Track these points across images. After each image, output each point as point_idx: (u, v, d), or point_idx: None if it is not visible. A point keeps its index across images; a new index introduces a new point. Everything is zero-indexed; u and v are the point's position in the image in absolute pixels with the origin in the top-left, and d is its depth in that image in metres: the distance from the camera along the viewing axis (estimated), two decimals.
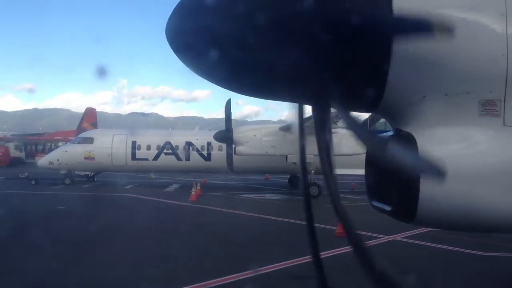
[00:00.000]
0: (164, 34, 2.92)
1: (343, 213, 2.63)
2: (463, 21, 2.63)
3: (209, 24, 2.68)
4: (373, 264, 2.45)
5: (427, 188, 2.68)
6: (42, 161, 29.97)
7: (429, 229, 8.59)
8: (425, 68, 2.68)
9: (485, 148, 2.78)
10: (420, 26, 2.48)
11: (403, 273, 9.37)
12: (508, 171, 2.72)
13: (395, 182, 2.81)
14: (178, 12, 2.84)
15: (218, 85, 3.07)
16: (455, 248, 11.42)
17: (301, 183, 3.25)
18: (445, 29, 2.46)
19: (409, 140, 2.78)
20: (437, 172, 2.25)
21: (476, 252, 11.26)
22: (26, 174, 31.26)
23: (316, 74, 2.63)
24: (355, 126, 2.52)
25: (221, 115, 27.55)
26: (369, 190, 3.27)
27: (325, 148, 2.68)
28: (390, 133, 3.06)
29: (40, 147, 61.08)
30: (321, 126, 2.75)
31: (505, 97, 2.73)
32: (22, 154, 57.77)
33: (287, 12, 2.60)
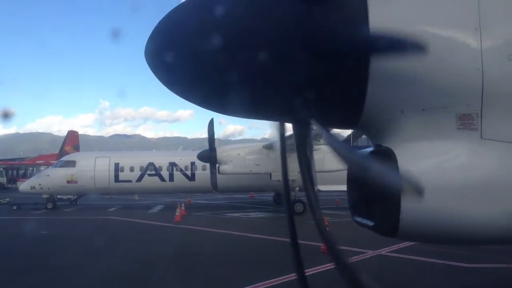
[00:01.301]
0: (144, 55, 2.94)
1: (324, 229, 2.64)
2: (438, 36, 2.68)
3: (186, 46, 2.71)
4: (358, 281, 2.47)
5: (408, 203, 2.70)
6: (24, 186, 29.52)
7: (414, 242, 8.62)
8: (402, 84, 2.71)
9: (463, 161, 2.82)
10: (396, 45, 2.53)
11: None
12: (487, 184, 2.76)
13: (376, 197, 2.82)
14: (156, 34, 2.86)
15: (198, 105, 3.09)
16: (441, 261, 11.46)
17: (284, 201, 3.26)
18: (419, 47, 2.51)
19: (389, 155, 2.80)
20: (417, 189, 2.28)
21: (461, 264, 11.30)
22: (7, 199, 30.82)
23: (295, 93, 2.66)
24: (335, 144, 2.53)
25: (204, 134, 27.52)
26: (351, 206, 3.29)
27: (306, 166, 2.70)
28: (371, 148, 3.09)
29: (21, 172, 60.46)
30: (302, 144, 2.78)
31: (481, 110, 2.77)
32: (3, 180, 57.02)
33: (265, 33, 2.63)
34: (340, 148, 2.54)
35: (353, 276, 2.51)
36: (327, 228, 2.66)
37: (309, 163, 2.84)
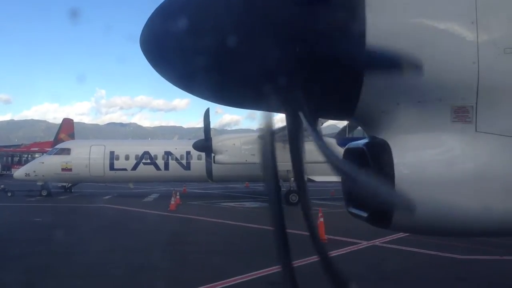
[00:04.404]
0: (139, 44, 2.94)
1: (311, 222, 2.67)
2: (434, 29, 2.68)
3: (181, 35, 2.70)
4: (336, 274, 2.52)
5: (402, 194, 2.71)
6: (18, 172, 29.54)
7: (408, 234, 8.67)
8: (398, 76, 2.72)
9: (458, 154, 2.83)
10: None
11: (381, 279, 9.46)
12: (481, 176, 2.77)
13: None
14: (151, 23, 2.86)
15: (193, 94, 3.09)
16: (434, 252, 11.54)
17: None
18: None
19: (383, 147, 2.81)
20: (408, 206, 2.32)
21: (454, 255, 11.38)
22: (2, 186, 30.77)
23: (290, 83, 2.66)
24: (322, 147, 2.55)
25: (200, 124, 27.55)
26: (346, 197, 3.30)
27: (297, 157, 2.71)
28: (365, 140, 3.10)
29: (16, 159, 60.35)
30: (295, 135, 2.78)
31: (476, 104, 2.78)
32: None
33: (259, 23, 2.63)
34: (326, 151, 2.56)
35: (332, 271, 2.57)
36: (314, 221, 2.70)
37: (301, 154, 2.85)
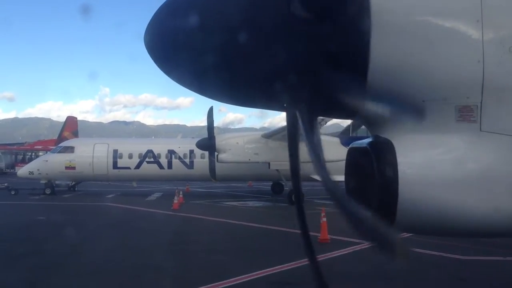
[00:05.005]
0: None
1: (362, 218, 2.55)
2: (439, 27, 2.67)
3: (185, 32, 2.70)
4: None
5: (406, 194, 2.71)
6: (22, 171, 29.53)
7: (411, 234, 8.62)
8: (402, 75, 2.71)
9: (462, 153, 2.81)
10: None
11: (383, 279, 9.44)
12: (485, 176, 2.76)
13: (373, 188, 2.82)
14: (154, 22, 2.86)
15: (197, 93, 3.08)
16: (437, 253, 11.50)
17: (294, 191, 3.27)
18: None
19: (387, 147, 2.80)
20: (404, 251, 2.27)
21: (456, 256, 11.36)
22: (5, 184, 30.83)
23: (296, 82, 2.65)
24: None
25: (204, 122, 27.41)
26: (348, 197, 3.29)
27: (317, 155, 2.69)
28: (369, 139, 3.09)
29: (20, 157, 60.47)
30: (311, 132, 2.77)
31: (481, 103, 2.76)
32: (1, 164, 57.07)
33: (266, 22, 2.62)
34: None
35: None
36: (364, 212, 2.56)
37: (319, 152, 2.81)
